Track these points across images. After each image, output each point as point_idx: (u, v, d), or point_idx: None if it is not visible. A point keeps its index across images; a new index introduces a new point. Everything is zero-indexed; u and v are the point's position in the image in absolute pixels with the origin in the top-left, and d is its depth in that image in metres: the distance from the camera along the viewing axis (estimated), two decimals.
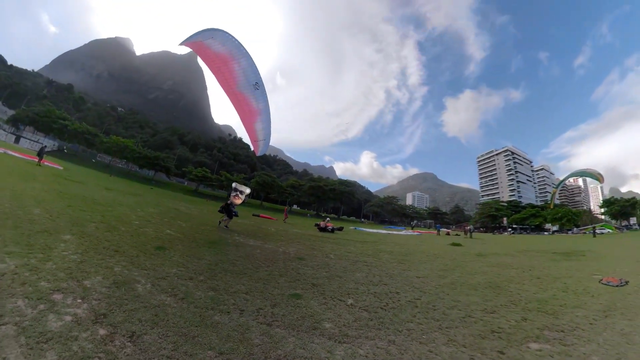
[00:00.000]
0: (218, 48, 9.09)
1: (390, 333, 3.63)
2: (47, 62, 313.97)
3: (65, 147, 68.47)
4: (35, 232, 5.52)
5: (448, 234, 37.49)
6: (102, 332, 2.67)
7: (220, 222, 13.37)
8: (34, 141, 63.32)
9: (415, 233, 35.04)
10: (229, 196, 14.07)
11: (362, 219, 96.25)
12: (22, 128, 70.63)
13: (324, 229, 20.77)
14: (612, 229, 56.41)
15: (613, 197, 79.22)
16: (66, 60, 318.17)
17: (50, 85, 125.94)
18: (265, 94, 10.42)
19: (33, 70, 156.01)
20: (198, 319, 3.29)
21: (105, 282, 3.84)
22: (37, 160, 24.63)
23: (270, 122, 11.32)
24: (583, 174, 59.23)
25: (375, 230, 32.83)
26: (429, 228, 69.32)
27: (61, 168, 28.38)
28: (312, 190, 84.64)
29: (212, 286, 4.47)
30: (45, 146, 32.27)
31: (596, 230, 44.20)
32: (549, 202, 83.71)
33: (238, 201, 14.04)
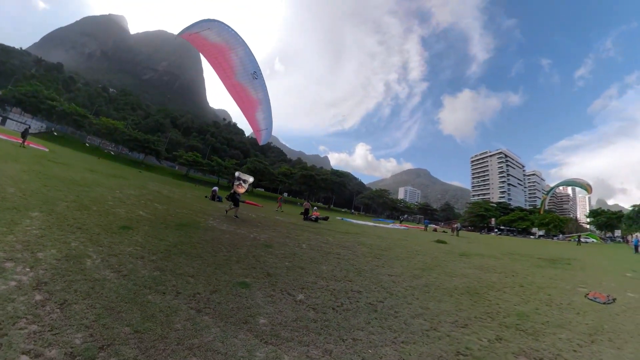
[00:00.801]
0: (215, 39, 9.12)
1: (330, 340, 3.21)
2: (36, 40, 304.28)
3: (53, 129, 67.28)
4: (4, 209, 5.72)
5: (435, 230, 37.49)
6: (38, 297, 2.96)
7: (227, 212, 13.37)
8: (21, 123, 61.85)
9: (403, 227, 35.27)
10: (233, 185, 14.07)
11: (353, 211, 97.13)
12: (9, 109, 69.01)
13: (307, 215, 20.95)
14: (597, 239, 57.87)
15: (600, 208, 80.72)
16: (56, 37, 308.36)
17: (38, 64, 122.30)
18: (264, 83, 10.46)
19: (21, 48, 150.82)
20: (131, 296, 3.40)
21: (58, 255, 4.11)
22: (20, 141, 24.42)
23: (270, 111, 11.37)
24: (573, 183, 60.68)
25: (362, 222, 32.88)
26: (418, 223, 70.39)
27: (47, 150, 28.02)
28: (304, 179, 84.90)
29: (160, 266, 4.55)
30: (29, 127, 31.85)
31: (581, 239, 44.91)
32: (539, 207, 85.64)
33: (242, 190, 14.06)
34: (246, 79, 10.07)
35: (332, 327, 3.53)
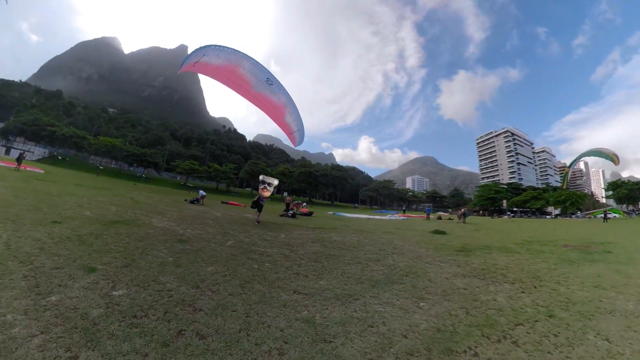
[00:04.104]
0: (217, 61, 9.31)
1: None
2: (35, 71, 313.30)
3: (55, 152, 70.20)
4: None
5: (439, 218, 34.84)
6: None
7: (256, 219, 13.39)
8: (25, 151, 65.14)
9: (403, 218, 32.72)
10: (257, 189, 13.99)
11: (356, 205, 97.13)
12: (13, 139, 72.42)
13: (287, 210, 20.38)
14: (621, 214, 54.78)
15: (620, 179, 76.75)
16: (54, 66, 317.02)
17: (39, 94, 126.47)
18: (282, 86, 10.48)
19: (20, 80, 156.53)
20: None
21: None
22: (15, 165, 26.27)
23: (298, 111, 11.29)
24: (599, 154, 58.08)
25: (355, 215, 30.55)
26: (425, 212, 70.45)
27: (42, 172, 29.08)
28: (303, 176, 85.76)
29: (45, 247, 5.29)
30: (23, 152, 34.02)
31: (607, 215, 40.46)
32: (562, 182, 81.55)
33: (266, 193, 13.85)
34: (263, 87, 10.30)
35: (81, 334, 2.83)
